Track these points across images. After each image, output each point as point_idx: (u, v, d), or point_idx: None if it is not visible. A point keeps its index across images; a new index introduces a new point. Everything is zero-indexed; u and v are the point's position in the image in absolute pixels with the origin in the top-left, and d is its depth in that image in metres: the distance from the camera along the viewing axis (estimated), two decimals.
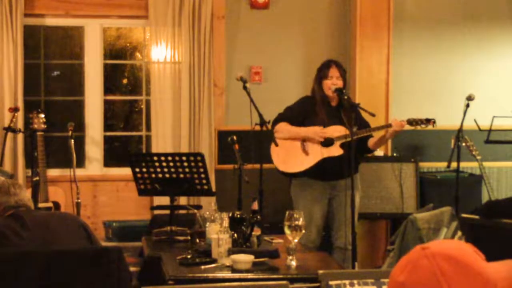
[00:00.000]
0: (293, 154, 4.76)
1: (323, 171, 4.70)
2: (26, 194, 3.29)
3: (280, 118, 4.83)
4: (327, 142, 4.72)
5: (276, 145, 4.61)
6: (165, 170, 4.21)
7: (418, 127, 4.73)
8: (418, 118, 4.68)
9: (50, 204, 5.23)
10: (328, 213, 4.82)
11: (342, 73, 4.80)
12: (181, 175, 4.21)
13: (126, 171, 4.75)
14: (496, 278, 1.15)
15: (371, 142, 4.77)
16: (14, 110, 5.39)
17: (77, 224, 3.25)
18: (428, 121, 4.67)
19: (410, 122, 4.68)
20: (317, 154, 4.72)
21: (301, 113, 4.81)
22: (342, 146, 4.66)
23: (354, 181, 4.39)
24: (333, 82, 4.74)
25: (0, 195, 3.22)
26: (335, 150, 4.67)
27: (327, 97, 4.79)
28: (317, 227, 4.75)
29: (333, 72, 4.77)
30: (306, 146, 4.76)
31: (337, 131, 4.71)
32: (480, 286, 1.13)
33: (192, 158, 4.20)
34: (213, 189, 4.81)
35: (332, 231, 4.87)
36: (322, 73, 4.81)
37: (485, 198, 5.68)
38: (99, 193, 5.85)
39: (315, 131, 4.72)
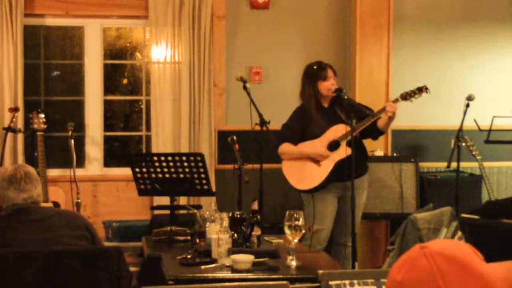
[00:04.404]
0: (306, 169, 4.73)
1: (338, 174, 4.66)
2: (37, 189, 3.17)
3: (281, 140, 4.80)
4: (333, 145, 4.70)
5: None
6: (165, 170, 4.21)
7: (413, 99, 4.72)
8: (410, 90, 4.71)
9: (50, 204, 5.23)
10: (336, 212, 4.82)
11: (335, 74, 4.82)
12: (181, 175, 4.21)
13: (126, 171, 4.75)
14: (495, 279, 1.15)
15: (380, 124, 4.72)
16: (14, 110, 5.39)
17: (80, 224, 3.23)
18: (420, 90, 4.71)
19: (404, 96, 4.71)
20: (328, 161, 4.69)
21: (297, 127, 4.78)
22: (348, 144, 4.63)
23: (363, 181, 4.40)
24: (331, 82, 4.75)
25: (11, 189, 3.12)
26: (344, 151, 4.63)
27: (320, 100, 4.77)
28: (327, 230, 4.75)
29: (330, 73, 4.78)
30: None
31: (338, 131, 4.69)
32: (479, 287, 1.13)
33: (192, 158, 4.20)
34: (213, 189, 4.81)
35: (335, 228, 4.85)
36: (318, 75, 4.77)
37: (485, 198, 5.68)
38: (99, 193, 5.85)
39: (317, 154, 4.69)
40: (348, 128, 4.52)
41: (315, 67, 4.81)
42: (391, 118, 4.62)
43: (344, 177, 4.59)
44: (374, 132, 4.81)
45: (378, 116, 4.68)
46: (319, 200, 4.71)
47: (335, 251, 4.77)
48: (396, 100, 4.69)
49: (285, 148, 4.77)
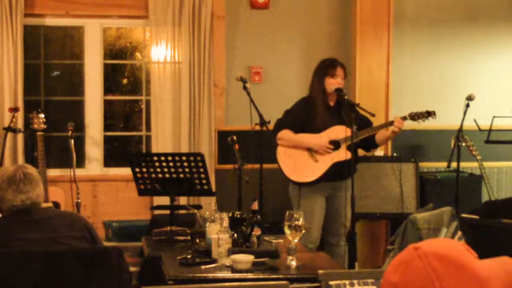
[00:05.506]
0: (302, 162, 4.71)
1: (331, 174, 4.68)
2: (36, 191, 3.14)
3: (281, 125, 4.76)
4: (335, 146, 4.69)
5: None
6: (165, 170, 4.21)
7: (421, 121, 4.77)
8: (419, 112, 4.76)
9: (50, 204, 5.23)
10: (325, 212, 4.82)
11: (345, 75, 4.81)
12: (181, 175, 4.21)
13: (126, 171, 4.75)
14: (489, 276, 1.15)
15: (380, 137, 4.77)
16: (14, 110, 5.39)
17: (80, 225, 3.22)
18: (428, 113, 4.75)
19: (412, 117, 4.73)
20: (326, 160, 4.68)
21: (301, 116, 4.76)
22: (349, 148, 4.62)
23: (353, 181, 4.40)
24: (338, 81, 4.74)
25: (8, 191, 3.10)
26: (344, 154, 4.61)
27: (327, 96, 4.77)
28: (317, 228, 4.75)
29: (339, 72, 4.77)
30: (314, 153, 4.73)
31: (340, 132, 4.68)
32: (473, 284, 1.13)
33: (192, 158, 4.21)
34: (213, 189, 4.81)
35: (326, 228, 4.86)
36: (327, 70, 4.76)
37: (485, 198, 5.68)
38: (99, 193, 5.85)
39: (320, 144, 4.68)
40: (349, 131, 4.52)
41: (326, 63, 4.81)
42: (395, 133, 4.65)
43: (335, 178, 4.65)
44: (370, 144, 4.82)
45: (383, 127, 4.70)
46: (305, 197, 4.72)
47: (328, 252, 4.75)
48: (404, 118, 4.69)
49: (285, 134, 4.73)
